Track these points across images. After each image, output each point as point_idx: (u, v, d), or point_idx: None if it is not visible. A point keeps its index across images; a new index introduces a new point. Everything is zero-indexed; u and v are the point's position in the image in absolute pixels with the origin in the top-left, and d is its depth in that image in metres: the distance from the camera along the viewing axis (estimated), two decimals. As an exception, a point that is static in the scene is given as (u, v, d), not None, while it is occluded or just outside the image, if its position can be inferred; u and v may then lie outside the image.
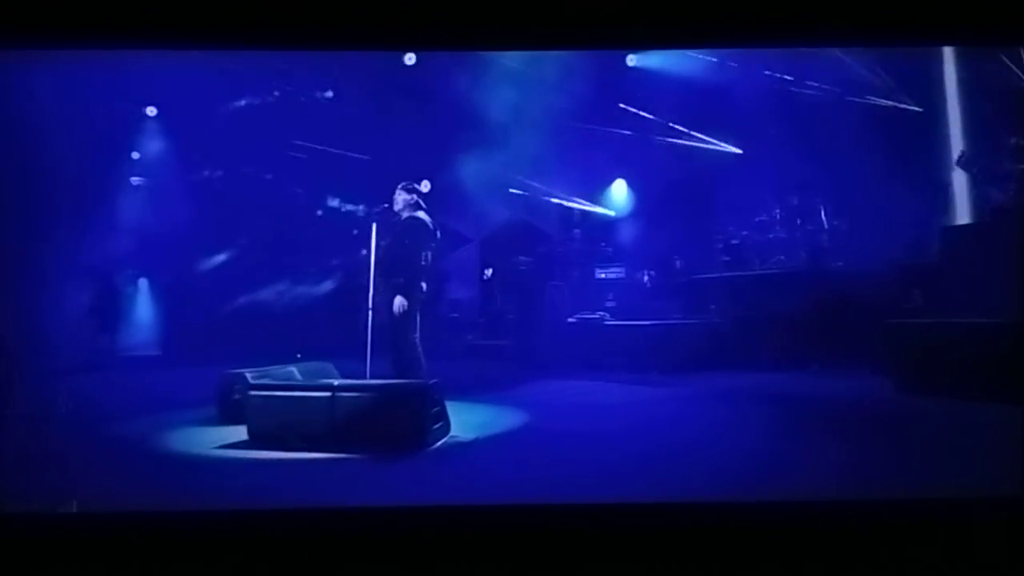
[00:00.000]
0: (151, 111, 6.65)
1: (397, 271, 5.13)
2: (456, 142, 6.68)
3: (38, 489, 3.56)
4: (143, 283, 6.82)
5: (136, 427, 4.58)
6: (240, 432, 4.30)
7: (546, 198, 7.81)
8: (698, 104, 6.83)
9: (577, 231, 7.98)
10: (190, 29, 3.72)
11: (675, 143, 7.44)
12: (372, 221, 5.35)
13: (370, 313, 5.13)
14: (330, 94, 7.06)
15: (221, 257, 6.86)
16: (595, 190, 7.84)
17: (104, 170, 6.37)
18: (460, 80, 6.48)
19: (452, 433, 4.45)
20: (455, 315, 7.81)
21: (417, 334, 5.08)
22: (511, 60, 6.40)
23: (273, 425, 4.13)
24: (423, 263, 5.18)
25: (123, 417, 4.73)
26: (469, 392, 5.32)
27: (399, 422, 4.08)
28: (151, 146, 6.71)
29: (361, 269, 5.41)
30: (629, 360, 6.28)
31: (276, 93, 7.01)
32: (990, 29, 3.86)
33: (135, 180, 6.75)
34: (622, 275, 7.63)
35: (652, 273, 7.64)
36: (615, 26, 3.76)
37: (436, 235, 5.34)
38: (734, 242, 7.37)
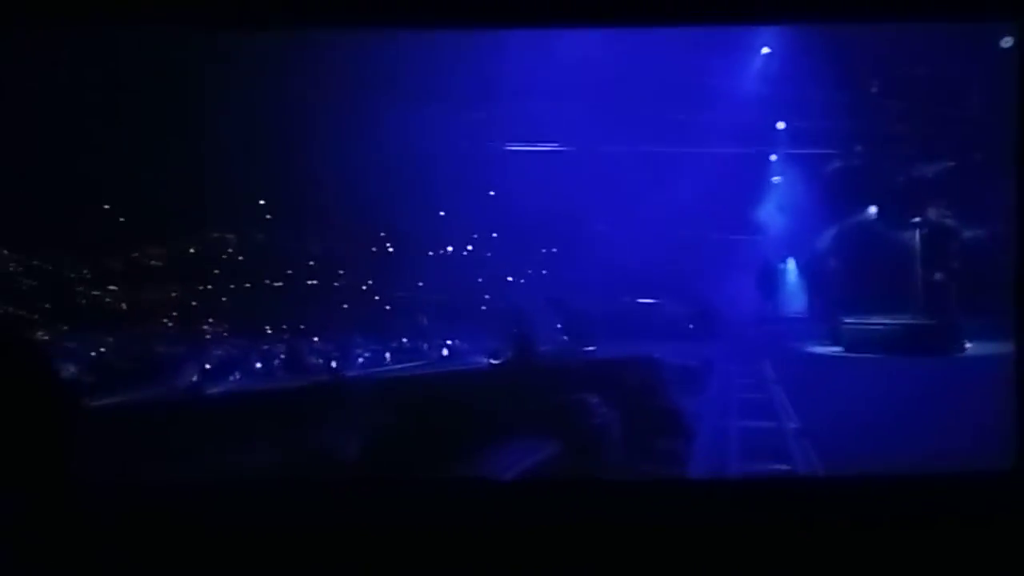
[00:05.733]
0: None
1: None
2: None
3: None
4: (791, 262, 9.53)
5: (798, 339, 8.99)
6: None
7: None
8: None
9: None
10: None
11: None
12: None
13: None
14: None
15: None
16: None
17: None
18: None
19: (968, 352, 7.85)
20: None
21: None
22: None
23: (854, 341, 8.42)
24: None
25: (795, 340, 9.08)
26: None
27: (923, 340, 7.94)
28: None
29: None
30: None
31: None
32: None
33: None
34: None
35: None
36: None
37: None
38: None
